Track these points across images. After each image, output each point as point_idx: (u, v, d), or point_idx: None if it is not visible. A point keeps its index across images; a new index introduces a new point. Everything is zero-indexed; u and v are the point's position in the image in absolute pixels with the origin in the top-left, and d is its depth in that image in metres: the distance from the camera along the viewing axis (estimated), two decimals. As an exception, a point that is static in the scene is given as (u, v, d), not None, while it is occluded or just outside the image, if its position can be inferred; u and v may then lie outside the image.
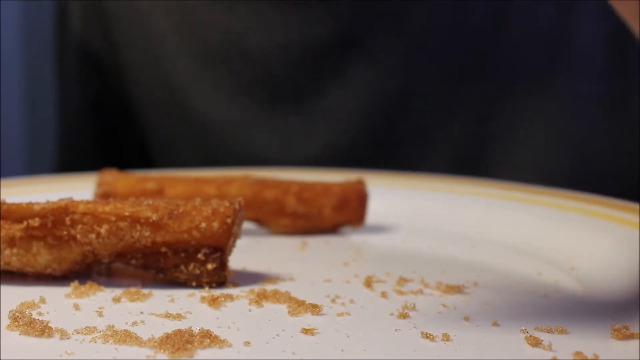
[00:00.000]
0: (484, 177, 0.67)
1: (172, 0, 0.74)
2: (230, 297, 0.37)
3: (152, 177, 0.51)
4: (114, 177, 0.51)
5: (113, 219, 0.38)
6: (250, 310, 0.36)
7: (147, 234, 0.38)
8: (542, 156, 0.72)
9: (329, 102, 0.72)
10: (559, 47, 0.69)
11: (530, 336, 0.32)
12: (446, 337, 0.32)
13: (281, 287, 0.39)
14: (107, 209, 0.38)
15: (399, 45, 0.71)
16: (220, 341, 0.31)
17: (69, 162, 0.82)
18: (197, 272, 0.38)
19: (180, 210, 0.38)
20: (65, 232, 0.38)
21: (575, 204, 0.52)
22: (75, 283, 0.38)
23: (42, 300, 0.36)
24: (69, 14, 0.81)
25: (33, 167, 1.39)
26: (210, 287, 0.39)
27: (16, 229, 0.38)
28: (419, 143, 0.73)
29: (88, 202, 0.38)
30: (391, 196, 0.57)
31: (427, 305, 0.37)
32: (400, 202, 0.57)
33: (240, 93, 0.74)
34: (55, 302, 0.36)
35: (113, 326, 0.33)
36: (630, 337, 0.33)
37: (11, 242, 0.38)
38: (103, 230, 0.38)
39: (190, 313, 0.35)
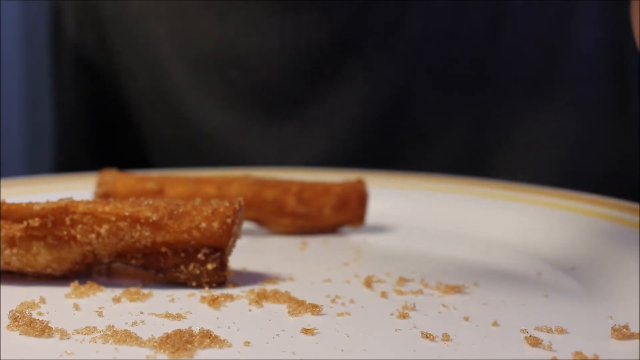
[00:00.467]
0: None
1: (167, 6, 0.74)
2: (230, 297, 0.37)
3: (152, 177, 0.51)
4: (114, 177, 0.51)
5: (113, 219, 0.38)
6: (250, 310, 0.36)
7: (147, 234, 0.38)
8: (541, 161, 0.72)
9: (326, 109, 0.72)
10: (557, 51, 0.69)
11: (530, 336, 0.32)
12: (446, 337, 0.32)
13: (281, 287, 0.39)
14: (107, 209, 0.38)
15: (395, 51, 0.70)
16: (220, 341, 0.31)
17: (67, 165, 0.82)
18: (197, 272, 0.38)
19: (180, 210, 0.38)
20: (65, 232, 0.38)
21: (575, 204, 0.52)
22: (75, 283, 0.38)
23: (42, 300, 0.36)
24: (64, 18, 0.81)
25: (33, 167, 1.39)
26: (210, 287, 0.39)
27: (16, 229, 0.38)
28: (416, 149, 0.73)
29: (88, 202, 0.38)
30: (391, 196, 0.57)
31: (427, 305, 0.37)
32: (400, 202, 0.57)
33: (236, 100, 0.74)
34: (55, 302, 0.36)
35: (113, 326, 0.33)
36: (630, 337, 0.33)
37: (11, 242, 0.38)
38: (103, 230, 0.38)
39: (190, 313, 0.35)
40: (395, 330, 0.34)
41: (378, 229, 0.53)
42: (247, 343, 0.32)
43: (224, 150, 0.74)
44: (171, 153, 0.77)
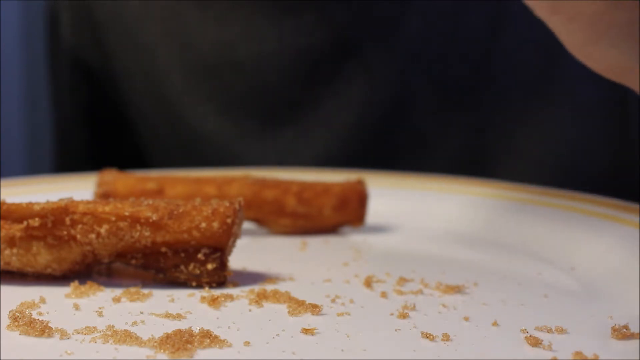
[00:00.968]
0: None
1: (164, 9, 0.73)
2: (230, 297, 0.37)
3: (152, 177, 0.51)
4: (114, 177, 0.51)
5: (113, 219, 0.38)
6: (250, 310, 0.36)
7: (147, 234, 0.38)
8: (541, 163, 0.71)
9: (324, 112, 0.72)
10: (556, 52, 0.69)
11: (530, 336, 0.32)
12: (446, 337, 0.32)
13: (281, 287, 0.39)
14: (107, 209, 0.38)
15: (394, 53, 0.70)
16: (220, 341, 0.31)
17: (66, 166, 0.82)
18: (197, 272, 0.38)
19: (180, 210, 0.38)
20: (65, 232, 0.38)
21: (575, 204, 0.52)
22: (75, 283, 0.38)
23: (42, 300, 0.36)
24: (60, 21, 0.81)
25: (33, 167, 1.39)
26: (210, 287, 0.39)
27: (16, 229, 0.38)
28: (416, 152, 0.72)
29: (88, 202, 0.38)
30: (391, 196, 0.57)
31: (427, 305, 0.37)
32: (400, 202, 0.57)
33: (234, 103, 0.74)
34: (55, 302, 0.36)
35: (113, 326, 0.33)
36: (630, 337, 0.33)
37: (11, 242, 0.38)
38: (103, 230, 0.38)
39: (190, 313, 0.35)
40: (395, 330, 0.34)
41: (378, 229, 0.53)
42: (247, 343, 0.32)
43: (222, 154, 0.74)
44: (169, 156, 0.77)
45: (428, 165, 0.70)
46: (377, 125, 0.72)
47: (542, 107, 0.70)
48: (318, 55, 0.71)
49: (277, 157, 0.72)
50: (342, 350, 0.31)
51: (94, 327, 0.33)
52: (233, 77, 0.72)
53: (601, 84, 0.51)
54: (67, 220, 0.38)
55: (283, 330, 0.33)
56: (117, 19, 0.76)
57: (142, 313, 0.35)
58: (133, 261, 0.38)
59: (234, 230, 0.39)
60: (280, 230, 0.52)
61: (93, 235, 0.38)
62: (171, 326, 0.33)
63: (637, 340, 0.33)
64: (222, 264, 0.38)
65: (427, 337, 0.32)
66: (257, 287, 0.39)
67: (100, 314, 0.35)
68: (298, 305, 0.36)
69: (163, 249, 0.38)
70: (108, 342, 0.31)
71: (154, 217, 0.38)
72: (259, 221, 0.52)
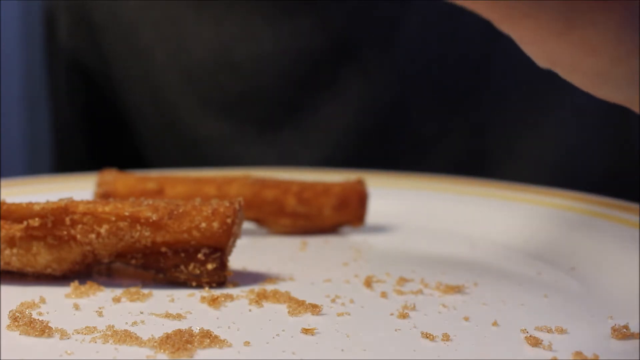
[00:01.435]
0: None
1: (161, 11, 0.73)
2: (230, 297, 0.37)
3: (152, 177, 0.51)
4: (114, 177, 0.51)
5: (113, 219, 0.38)
6: (250, 310, 0.36)
7: (147, 234, 0.38)
8: (540, 165, 0.71)
9: (322, 115, 0.72)
10: None
11: (530, 336, 0.32)
12: (446, 337, 0.32)
13: (281, 287, 0.39)
14: (107, 209, 0.38)
15: (393, 56, 0.70)
16: (220, 341, 0.31)
17: (65, 168, 0.82)
18: (197, 272, 0.38)
19: (180, 210, 0.38)
20: (65, 232, 0.38)
21: (575, 204, 0.52)
22: (75, 283, 0.38)
23: (42, 300, 0.36)
24: (57, 23, 0.81)
25: (33, 167, 1.39)
26: (210, 287, 0.39)
27: (16, 229, 0.38)
28: (414, 155, 0.72)
29: (88, 202, 0.38)
30: (391, 196, 0.57)
31: (427, 305, 0.37)
32: (400, 202, 0.57)
33: (231, 106, 0.73)
34: (55, 302, 0.36)
35: (113, 326, 0.33)
36: (630, 337, 0.33)
37: (11, 242, 0.38)
38: (103, 230, 0.38)
39: (190, 313, 0.35)
40: (395, 330, 0.34)
41: (378, 229, 0.53)
42: (247, 343, 0.32)
43: (221, 156, 0.74)
44: (167, 158, 0.77)
45: (427, 168, 0.70)
46: (376, 127, 0.72)
47: (542, 108, 0.70)
48: (316, 57, 0.71)
49: (276, 160, 0.72)
50: (342, 350, 0.31)
51: (94, 327, 0.33)
52: (230, 79, 0.72)
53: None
54: (67, 220, 0.38)
55: (283, 330, 0.33)
56: (115, 21, 0.76)
57: (142, 313, 0.35)
58: (133, 261, 0.38)
59: (234, 230, 0.39)
60: (280, 230, 0.52)
61: (93, 235, 0.38)
62: (171, 326, 0.33)
63: (637, 340, 0.33)
64: (222, 264, 0.38)
65: (427, 337, 0.32)
66: (257, 287, 0.39)
67: (100, 314, 0.35)
68: (298, 305, 0.36)
69: (163, 249, 0.38)
70: (108, 342, 0.31)
71: (154, 217, 0.38)
72: (259, 221, 0.52)
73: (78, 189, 0.54)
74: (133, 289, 0.38)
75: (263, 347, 0.31)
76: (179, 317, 0.35)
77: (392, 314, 0.36)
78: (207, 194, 0.50)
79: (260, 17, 0.70)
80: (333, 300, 0.37)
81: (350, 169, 0.65)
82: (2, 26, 1.31)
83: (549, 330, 0.34)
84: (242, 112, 0.74)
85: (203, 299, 0.37)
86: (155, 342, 0.31)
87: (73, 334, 0.32)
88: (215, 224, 0.38)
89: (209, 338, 0.32)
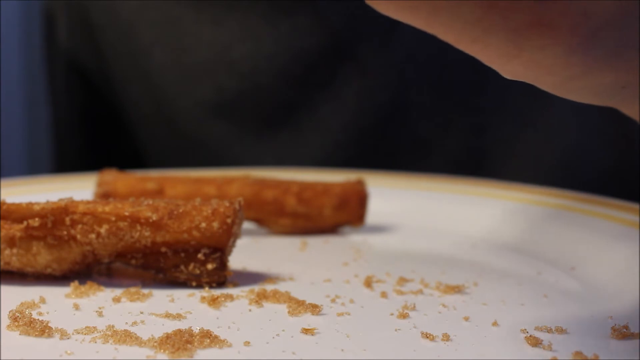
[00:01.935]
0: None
1: (159, 12, 0.73)
2: (230, 297, 0.37)
3: (152, 177, 0.51)
4: (114, 177, 0.51)
5: (113, 219, 0.38)
6: (250, 310, 0.36)
7: (147, 234, 0.38)
8: (540, 165, 0.71)
9: (321, 115, 0.72)
10: None
11: (530, 336, 0.32)
12: (446, 337, 0.32)
13: (281, 287, 0.39)
14: (107, 209, 0.38)
15: (391, 55, 0.70)
16: (220, 341, 0.31)
17: (64, 168, 0.82)
18: (197, 272, 0.38)
19: (180, 210, 0.38)
20: (65, 232, 0.38)
21: (575, 204, 0.52)
22: (75, 283, 0.38)
23: (42, 300, 0.36)
24: (56, 24, 0.81)
25: (33, 167, 1.39)
26: (210, 287, 0.39)
27: (16, 229, 0.38)
28: (413, 154, 0.72)
29: (88, 202, 0.38)
30: (391, 196, 0.57)
31: (427, 305, 0.37)
32: (400, 202, 0.57)
33: (230, 105, 0.73)
34: (55, 302, 0.36)
35: (113, 326, 0.33)
36: (630, 337, 0.33)
37: (11, 242, 0.38)
38: (103, 230, 0.38)
39: (190, 313, 0.35)
40: (395, 330, 0.34)
41: (378, 229, 0.53)
42: (247, 343, 0.32)
43: (220, 157, 0.74)
44: (167, 159, 0.77)
45: (427, 167, 0.70)
46: (375, 127, 0.72)
47: (542, 108, 0.70)
48: (315, 56, 0.71)
49: (276, 160, 0.72)
50: (342, 350, 0.31)
51: (94, 327, 0.33)
52: (229, 79, 0.72)
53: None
54: (67, 220, 0.38)
55: (283, 330, 0.33)
56: (113, 21, 0.75)
57: (142, 313, 0.35)
58: (133, 261, 0.38)
59: (234, 230, 0.39)
60: (280, 230, 0.52)
61: (93, 235, 0.38)
62: (171, 326, 0.33)
63: (637, 340, 0.33)
64: (222, 264, 0.38)
65: (427, 337, 0.32)
66: (257, 287, 0.39)
67: (100, 314, 0.35)
68: (298, 305, 0.36)
69: (163, 249, 0.38)
70: (108, 342, 0.31)
71: (154, 217, 0.38)
72: (259, 221, 0.52)
73: (78, 189, 0.54)
74: (133, 289, 0.38)
75: (263, 347, 0.31)
76: (179, 317, 0.35)
77: (392, 314, 0.36)
78: (207, 194, 0.50)
79: (259, 17, 0.70)
80: (333, 300, 0.37)
81: (350, 169, 0.65)
82: (2, 27, 1.31)
83: (549, 330, 0.34)
84: (242, 111, 0.73)
85: (203, 299, 0.37)
86: (155, 342, 0.31)
87: (73, 334, 0.32)
88: (215, 224, 0.38)
89: (209, 338, 0.32)
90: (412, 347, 0.32)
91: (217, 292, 0.38)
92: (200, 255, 0.38)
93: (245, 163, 0.71)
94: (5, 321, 0.33)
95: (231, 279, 0.40)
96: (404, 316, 0.35)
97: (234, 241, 0.39)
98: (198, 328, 0.32)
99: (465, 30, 0.28)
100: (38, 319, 0.33)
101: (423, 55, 0.70)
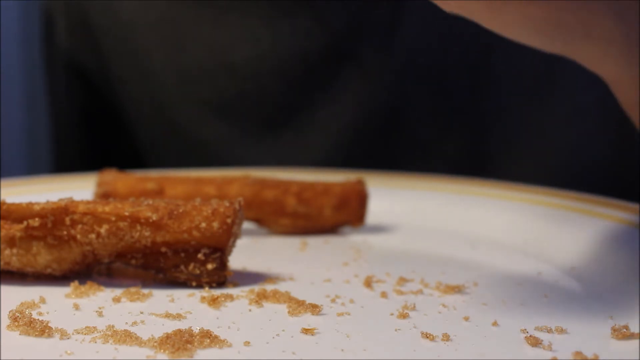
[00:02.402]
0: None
1: (158, 13, 0.73)
2: (230, 297, 0.37)
3: (152, 177, 0.51)
4: (114, 177, 0.51)
5: (113, 219, 0.38)
6: (250, 310, 0.36)
7: (147, 234, 0.38)
8: (541, 166, 0.71)
9: (321, 116, 0.72)
10: (556, 55, 0.69)
11: (530, 336, 0.32)
12: (446, 337, 0.32)
13: (281, 287, 0.39)
14: (107, 209, 0.38)
15: (391, 57, 0.70)
16: (220, 341, 0.31)
17: (64, 169, 0.82)
18: (197, 272, 0.38)
19: (180, 210, 0.38)
20: (65, 232, 0.38)
21: (576, 204, 0.52)
22: (75, 283, 0.38)
23: (42, 300, 0.36)
24: (55, 25, 0.81)
25: (33, 167, 1.39)
26: (210, 287, 0.39)
27: (16, 229, 0.38)
28: (414, 156, 0.72)
29: (88, 202, 0.38)
30: (391, 196, 0.57)
31: (427, 305, 0.37)
32: (400, 202, 0.57)
33: (230, 107, 0.73)
34: (55, 302, 0.36)
35: (113, 326, 0.33)
36: (630, 337, 0.33)
37: (11, 242, 0.38)
38: (103, 230, 0.38)
39: (190, 313, 0.35)
40: (395, 330, 0.34)
41: (378, 229, 0.53)
42: (247, 343, 0.32)
43: (220, 157, 0.74)
44: (167, 159, 0.77)
45: (427, 168, 0.70)
46: (375, 127, 0.72)
47: (542, 108, 0.70)
48: (315, 57, 0.71)
49: (276, 160, 0.72)
50: (342, 350, 0.31)
51: (94, 327, 0.33)
52: (229, 80, 0.72)
53: (601, 85, 0.51)
54: (67, 220, 0.38)
55: (283, 330, 0.33)
56: (113, 22, 0.75)
57: (142, 313, 0.35)
58: (133, 261, 0.38)
59: (234, 230, 0.39)
60: (280, 230, 0.52)
61: (93, 235, 0.38)
62: (171, 326, 0.33)
63: (637, 340, 0.33)
64: (222, 264, 0.38)
65: (427, 337, 0.32)
66: (257, 287, 0.39)
67: (100, 314, 0.35)
68: (298, 305, 0.36)
69: (163, 249, 0.38)
70: (108, 342, 0.31)
71: (154, 217, 0.38)
72: (259, 221, 0.52)
73: (78, 189, 0.54)
74: (133, 289, 0.38)
75: (263, 347, 0.31)
76: (179, 317, 0.35)
77: (392, 314, 0.36)
78: (207, 194, 0.50)
79: (259, 18, 0.70)
80: (333, 300, 0.37)
81: (350, 169, 0.65)
82: (1, 27, 1.31)
83: (549, 330, 0.34)
84: (242, 112, 0.73)
85: (203, 299, 0.37)
86: (155, 342, 0.31)
87: (73, 334, 0.32)
88: (215, 224, 0.38)
89: (209, 338, 0.32)
90: (412, 347, 0.32)
91: (217, 292, 0.38)
92: (200, 255, 0.38)
93: (246, 163, 0.71)
94: (5, 321, 0.33)
95: (231, 279, 0.40)
96: (404, 316, 0.35)
97: (234, 241, 0.39)
98: (198, 328, 0.32)
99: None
100: (38, 319, 0.33)
101: (423, 57, 0.70)
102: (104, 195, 0.50)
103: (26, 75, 1.37)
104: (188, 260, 0.38)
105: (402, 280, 0.41)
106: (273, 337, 0.32)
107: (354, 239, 0.51)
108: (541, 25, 0.36)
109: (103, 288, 0.38)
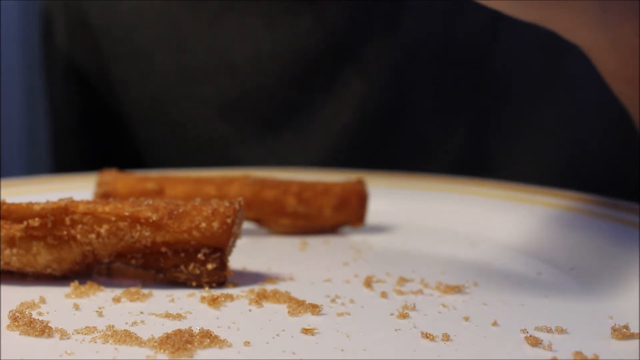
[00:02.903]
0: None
1: (157, 13, 0.73)
2: (230, 297, 0.37)
3: (152, 177, 0.51)
4: (114, 177, 0.51)
5: (113, 219, 0.38)
6: (250, 310, 0.36)
7: (147, 234, 0.38)
8: (541, 165, 0.71)
9: (322, 116, 0.72)
10: (557, 53, 0.69)
11: (530, 336, 0.32)
12: (446, 337, 0.32)
13: (281, 287, 0.39)
14: (107, 209, 0.38)
15: (392, 56, 0.70)
16: (220, 341, 0.31)
17: (63, 169, 0.82)
18: (197, 272, 0.38)
19: (180, 210, 0.38)
20: (65, 232, 0.38)
21: (576, 204, 0.52)
22: (75, 283, 0.38)
23: (42, 300, 0.36)
24: (54, 26, 0.81)
25: (33, 167, 1.39)
26: (210, 287, 0.39)
27: (16, 229, 0.38)
28: (415, 155, 0.72)
29: (88, 202, 0.38)
30: (391, 196, 0.57)
31: (427, 305, 0.37)
32: (400, 202, 0.57)
33: (230, 107, 0.73)
34: (55, 302, 0.36)
35: (113, 326, 0.33)
36: (630, 337, 0.33)
37: (11, 242, 0.38)
38: (103, 230, 0.38)
39: (190, 313, 0.35)
40: (395, 330, 0.34)
41: (378, 229, 0.53)
42: (247, 343, 0.32)
43: (220, 157, 0.74)
44: (167, 159, 0.77)
45: (427, 167, 0.70)
46: (375, 127, 0.72)
47: (543, 108, 0.70)
48: (315, 57, 0.71)
49: (276, 160, 0.72)
50: (342, 350, 0.31)
51: (94, 327, 0.33)
52: (229, 80, 0.72)
53: (602, 84, 0.51)
54: (67, 220, 0.38)
55: (283, 330, 0.33)
56: (112, 23, 0.75)
57: (142, 313, 0.35)
58: (133, 261, 0.38)
59: (234, 230, 0.39)
60: (280, 230, 0.52)
61: (93, 235, 0.38)
62: (171, 326, 0.33)
63: (637, 340, 0.33)
64: (222, 264, 0.38)
65: (427, 337, 0.32)
66: (257, 287, 0.39)
67: (100, 314, 0.35)
68: (298, 305, 0.36)
69: (163, 249, 0.38)
70: (108, 342, 0.31)
71: (154, 217, 0.38)
72: (259, 221, 0.52)
73: (78, 189, 0.54)
74: (133, 289, 0.38)
75: (263, 347, 0.31)
76: (179, 317, 0.35)
77: (392, 314, 0.36)
78: (207, 194, 0.50)
79: (259, 18, 0.70)
80: (333, 300, 0.37)
81: (350, 169, 0.65)
82: (1, 28, 1.31)
83: (549, 330, 0.34)
84: (242, 112, 0.73)
85: (203, 299, 0.37)
86: (155, 342, 0.31)
87: (73, 334, 0.32)
88: (215, 224, 0.38)
89: (209, 338, 0.32)
90: (412, 347, 0.32)
91: (217, 292, 0.38)
92: (200, 255, 0.38)
93: (246, 163, 0.71)
94: (5, 321, 0.33)
95: (231, 279, 0.40)
96: (404, 316, 0.35)
97: (234, 241, 0.39)
98: (198, 328, 0.32)
99: None
100: (38, 319, 0.33)
101: (424, 56, 0.70)
102: (104, 195, 0.50)
103: (26, 75, 1.37)
104: (188, 260, 0.38)
105: (402, 280, 0.41)
106: (273, 337, 0.32)
107: (354, 239, 0.51)
108: None
109: (103, 288, 0.38)
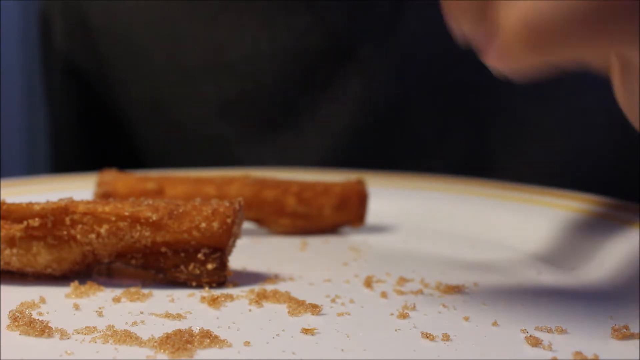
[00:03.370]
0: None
1: (156, 13, 0.73)
2: (230, 297, 0.37)
3: (152, 177, 0.51)
4: (114, 177, 0.51)
5: (113, 219, 0.38)
6: (250, 310, 0.36)
7: (147, 234, 0.38)
8: (542, 166, 0.71)
9: (321, 116, 0.72)
10: None
11: (530, 336, 0.32)
12: (446, 337, 0.32)
13: (281, 287, 0.39)
14: (107, 209, 0.38)
15: (391, 56, 0.70)
16: (220, 341, 0.31)
17: (64, 168, 0.82)
18: (197, 272, 0.38)
19: (180, 210, 0.38)
20: (65, 232, 0.38)
21: (576, 204, 0.52)
22: (75, 283, 0.38)
23: (42, 300, 0.36)
24: (53, 26, 0.81)
25: (33, 167, 1.39)
26: (210, 287, 0.39)
27: (16, 229, 0.38)
28: (414, 156, 0.72)
29: (88, 202, 0.38)
30: (391, 196, 0.57)
31: (427, 305, 0.37)
32: (400, 202, 0.57)
33: (230, 107, 0.73)
34: (55, 302, 0.36)
35: (113, 326, 0.33)
36: (630, 337, 0.33)
37: (11, 242, 0.38)
38: (103, 230, 0.38)
39: (190, 313, 0.35)
40: (395, 330, 0.34)
41: (378, 229, 0.53)
42: (247, 343, 0.32)
43: (220, 157, 0.74)
44: (167, 159, 0.77)
45: (427, 167, 0.70)
46: (375, 127, 0.72)
47: (542, 108, 0.70)
48: (314, 56, 0.70)
49: (276, 160, 0.72)
50: (342, 350, 0.31)
51: (94, 327, 0.33)
52: (228, 80, 0.72)
53: (602, 85, 0.51)
54: (67, 220, 0.38)
55: (283, 330, 0.33)
56: (110, 23, 0.75)
57: (142, 313, 0.35)
58: (133, 261, 0.38)
59: (234, 230, 0.39)
60: (280, 230, 0.52)
61: (93, 235, 0.38)
62: (171, 326, 0.33)
63: (637, 340, 0.33)
64: (222, 264, 0.38)
65: (427, 337, 0.32)
66: (257, 287, 0.39)
67: (100, 314, 0.35)
68: (298, 305, 0.36)
69: (163, 249, 0.38)
70: (108, 342, 0.31)
71: (154, 217, 0.38)
72: (259, 221, 0.52)
73: (78, 189, 0.54)
74: (133, 289, 0.38)
75: (263, 347, 0.31)
76: (179, 317, 0.35)
77: (392, 314, 0.36)
78: (207, 194, 0.50)
79: (258, 18, 0.70)
80: (333, 300, 0.37)
81: (350, 169, 0.65)
82: (1, 28, 1.31)
83: (549, 330, 0.34)
84: (241, 112, 0.73)
85: (203, 299, 0.37)
86: (155, 342, 0.31)
87: (73, 334, 0.32)
88: (215, 224, 0.38)
89: (209, 338, 0.32)
90: (412, 347, 0.32)
91: (217, 292, 0.38)
92: (200, 255, 0.38)
93: (246, 163, 0.71)
94: (5, 321, 0.33)
95: (231, 279, 0.40)
96: (404, 316, 0.35)
97: (234, 241, 0.39)
98: (198, 328, 0.32)
99: None
100: (38, 319, 0.33)
101: (423, 56, 0.70)
102: (104, 195, 0.50)
103: (26, 75, 1.37)
104: (188, 260, 0.38)
105: (402, 280, 0.41)
106: (273, 337, 0.32)
107: (354, 239, 0.51)
108: None
109: (103, 288, 0.38)
